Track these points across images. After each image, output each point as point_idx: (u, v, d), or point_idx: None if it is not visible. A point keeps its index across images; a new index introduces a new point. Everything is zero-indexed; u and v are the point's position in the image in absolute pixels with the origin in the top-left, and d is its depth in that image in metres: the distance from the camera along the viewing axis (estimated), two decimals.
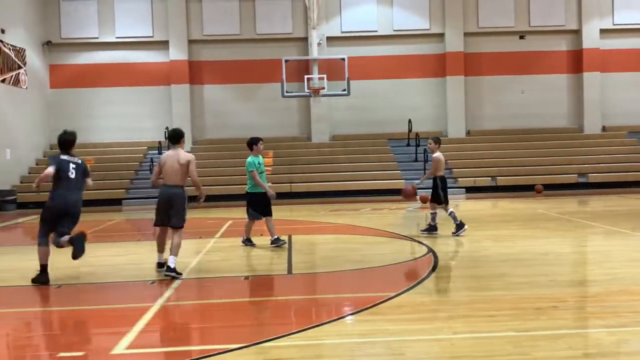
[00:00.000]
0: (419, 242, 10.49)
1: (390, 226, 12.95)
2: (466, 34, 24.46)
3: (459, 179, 21.70)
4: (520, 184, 21.35)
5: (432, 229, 11.29)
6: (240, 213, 13.20)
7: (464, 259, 9.34)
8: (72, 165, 8.12)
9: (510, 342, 5.03)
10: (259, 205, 10.30)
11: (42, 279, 7.90)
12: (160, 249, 8.37)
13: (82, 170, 8.19)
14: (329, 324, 5.72)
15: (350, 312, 6.18)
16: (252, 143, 10.36)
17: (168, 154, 8.27)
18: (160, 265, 8.32)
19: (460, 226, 11.21)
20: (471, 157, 22.99)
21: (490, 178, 21.65)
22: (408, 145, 23.68)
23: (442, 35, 24.50)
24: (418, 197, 11.26)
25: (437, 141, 11.54)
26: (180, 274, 7.99)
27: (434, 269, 8.13)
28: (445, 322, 5.73)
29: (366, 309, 6.13)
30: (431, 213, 11.41)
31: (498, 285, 7.13)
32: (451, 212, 11.21)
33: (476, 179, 21.57)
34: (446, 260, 8.78)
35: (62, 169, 8.02)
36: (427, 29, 24.48)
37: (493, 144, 23.90)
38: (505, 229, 12.22)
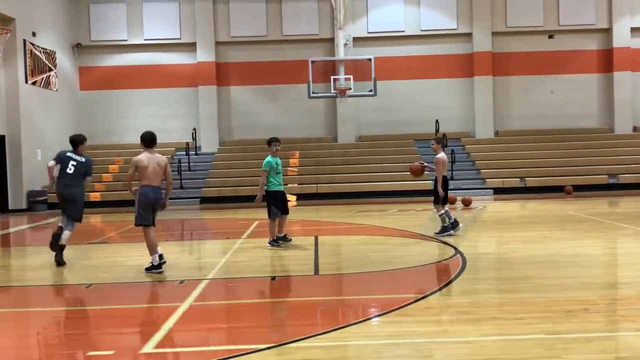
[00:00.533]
0: (446, 243, 10.42)
1: (417, 227, 12.89)
2: (494, 34, 24.24)
3: (487, 180, 21.50)
4: (549, 185, 21.10)
5: (447, 229, 11.20)
6: (266, 213, 13.22)
7: (493, 260, 9.25)
8: (72, 162, 9.31)
9: (541, 345, 4.97)
10: (278, 202, 10.41)
11: (53, 246, 9.30)
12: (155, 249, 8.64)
13: (83, 168, 9.32)
14: (356, 325, 5.71)
15: (377, 314, 6.15)
16: (268, 143, 10.77)
17: (146, 156, 8.63)
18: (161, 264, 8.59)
19: (444, 229, 11.23)
20: (500, 157, 22.77)
21: (519, 179, 21.42)
22: None
23: (469, 35, 24.32)
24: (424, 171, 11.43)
25: (440, 142, 11.60)
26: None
27: (462, 270, 8.06)
28: (473, 324, 5.68)
29: (393, 310, 6.11)
30: (439, 215, 11.39)
31: (527, 288, 7.05)
32: (442, 214, 11.26)
33: (505, 180, 21.36)
34: (474, 262, 8.70)
35: (62, 163, 9.33)
36: (455, 29, 24.32)
37: (522, 144, 23.64)
38: (535, 230, 12.07)
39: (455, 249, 9.68)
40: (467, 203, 16.92)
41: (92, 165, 9.62)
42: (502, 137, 24.28)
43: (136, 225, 8.67)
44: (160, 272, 8.41)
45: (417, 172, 11.82)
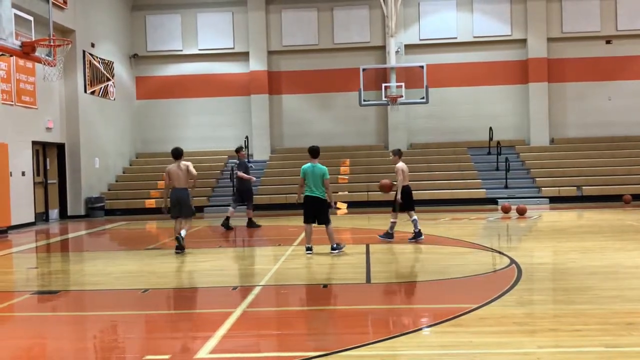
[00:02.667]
0: (501, 253, 10.24)
1: (470, 236, 12.71)
2: (550, 40, 23.78)
3: (543, 188, 21.06)
4: (607, 193, 20.53)
5: (418, 235, 11.58)
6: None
7: (549, 271, 9.05)
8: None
9: (601, 358, 4.84)
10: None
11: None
12: (177, 232, 11.30)
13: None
14: (409, 335, 5.66)
15: (430, 323, 6.09)
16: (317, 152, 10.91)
17: (172, 166, 11.33)
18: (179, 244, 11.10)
19: (388, 235, 11.59)
20: (555, 166, 22.28)
21: (575, 188, 20.92)
22: (489, 153, 23.21)
23: (524, 41, 23.93)
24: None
25: (397, 153, 12.07)
26: (183, 247, 11.10)
27: (517, 280, 7.91)
28: (529, 335, 5.56)
29: (447, 320, 6.03)
30: (412, 221, 11.74)
31: (585, 299, 6.87)
32: (394, 223, 11.69)
33: (560, 189, 20.89)
34: (530, 272, 8.52)
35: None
36: (509, 35, 23.96)
37: (578, 152, 23.09)
38: (593, 240, 11.76)
39: (511, 259, 9.50)
40: (521, 212, 16.60)
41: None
42: (557, 145, 23.76)
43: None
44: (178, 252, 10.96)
45: (386, 189, 12.20)
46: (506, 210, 17.28)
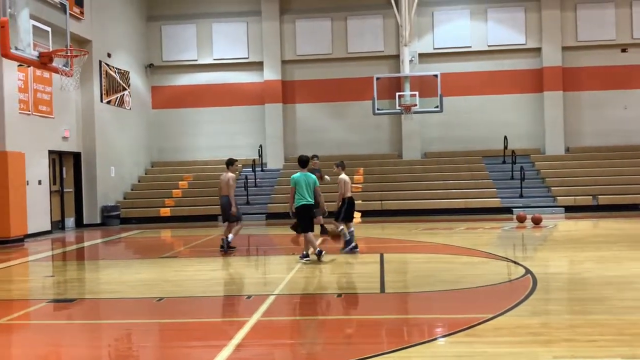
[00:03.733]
0: (516, 262, 10.19)
1: (485, 246, 12.65)
2: (564, 48, 23.69)
3: (558, 197, 20.93)
4: (623, 203, 20.37)
5: (349, 243, 11.74)
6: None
7: (565, 281, 8.99)
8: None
9: None
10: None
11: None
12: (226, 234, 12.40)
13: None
14: (423, 345, 5.65)
15: (445, 333, 6.07)
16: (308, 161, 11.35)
17: (222, 174, 12.56)
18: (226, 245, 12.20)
19: (348, 243, 11.72)
20: (571, 174, 22.14)
21: (591, 197, 20.77)
22: (504, 162, 23.12)
23: (538, 49, 23.86)
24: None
25: (339, 165, 12.59)
26: (225, 248, 12.08)
27: (532, 290, 7.87)
28: (545, 345, 5.53)
29: (462, 330, 6.01)
30: (339, 230, 11.93)
31: (602, 309, 6.82)
32: (342, 230, 11.81)
33: (576, 198, 20.75)
34: (545, 282, 8.47)
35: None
36: (523, 44, 23.90)
37: (594, 161, 22.93)
38: (608, 250, 11.66)
39: (526, 268, 9.45)
40: (537, 221, 16.50)
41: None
42: (573, 154, 23.62)
43: None
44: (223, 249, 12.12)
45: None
46: (521, 219, 17.19)
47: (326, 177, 15.06)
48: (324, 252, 10.81)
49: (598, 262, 10.13)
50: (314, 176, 10.97)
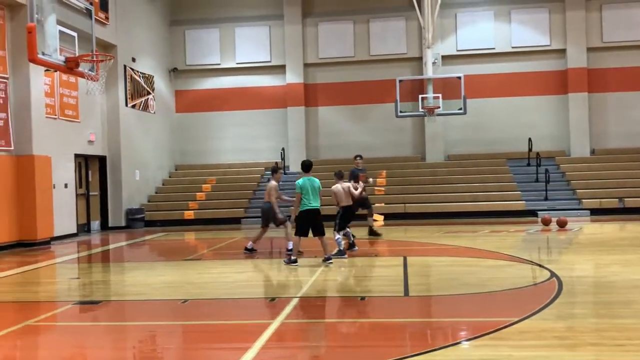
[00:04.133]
0: (541, 266, 10.09)
1: (510, 249, 12.55)
2: (589, 49, 23.43)
3: (583, 200, 20.68)
4: None
5: (341, 253, 11.53)
6: (354, 233, 13.26)
7: (591, 284, 8.89)
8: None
9: None
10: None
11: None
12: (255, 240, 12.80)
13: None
14: (448, 348, 5.62)
15: (470, 337, 6.03)
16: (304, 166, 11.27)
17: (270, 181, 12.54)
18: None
19: (340, 253, 11.51)
20: (596, 177, 21.87)
21: (617, 199, 20.50)
22: (528, 165, 22.92)
23: (563, 51, 23.63)
24: None
25: (337, 175, 12.59)
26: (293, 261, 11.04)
27: (558, 294, 7.79)
28: (571, 349, 5.47)
29: (487, 333, 5.97)
30: (337, 240, 11.87)
31: (629, 313, 6.73)
32: (338, 239, 11.77)
33: (602, 201, 20.49)
34: (571, 286, 8.38)
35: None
36: (548, 45, 23.69)
37: (620, 163, 22.62)
38: (635, 253, 11.50)
39: (551, 271, 9.36)
40: (562, 224, 16.33)
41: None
42: (598, 156, 23.34)
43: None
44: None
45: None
46: (546, 222, 17.02)
47: (370, 179, 14.85)
48: (332, 260, 10.84)
49: (624, 266, 10.00)
50: (318, 180, 10.95)
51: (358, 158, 14.82)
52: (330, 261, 10.74)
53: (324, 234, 10.87)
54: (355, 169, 14.51)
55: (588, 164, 22.87)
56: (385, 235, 15.44)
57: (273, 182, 12.37)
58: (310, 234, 10.96)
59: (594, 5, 23.42)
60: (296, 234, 11.02)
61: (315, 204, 10.78)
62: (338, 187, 12.32)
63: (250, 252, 12.60)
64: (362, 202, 14.31)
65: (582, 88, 23.36)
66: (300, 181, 10.90)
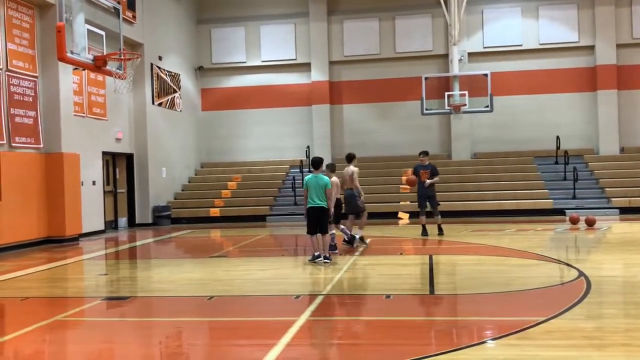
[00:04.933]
0: (569, 265, 9.97)
1: (537, 248, 12.41)
2: (619, 46, 23.06)
3: (612, 198, 20.38)
4: None
5: (332, 248, 11.67)
6: (379, 231, 13.25)
7: (620, 284, 8.76)
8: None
9: None
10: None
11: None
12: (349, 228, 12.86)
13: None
14: (473, 347, 5.58)
15: (496, 336, 5.98)
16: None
17: (345, 169, 12.84)
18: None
19: (332, 248, 11.59)
20: (626, 175, 21.53)
21: None
22: (556, 163, 22.65)
23: (592, 47, 23.29)
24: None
25: (329, 167, 12.50)
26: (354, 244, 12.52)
27: (586, 293, 7.68)
28: (600, 350, 5.39)
29: (513, 333, 5.91)
30: (341, 229, 12.56)
31: None
32: (343, 229, 12.57)
33: (631, 199, 20.17)
34: (599, 285, 8.26)
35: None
36: (576, 42, 23.38)
37: None
38: None
39: (579, 271, 9.24)
40: (590, 223, 16.11)
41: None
42: (628, 154, 22.97)
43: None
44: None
45: (412, 184, 14.49)
46: (574, 221, 16.81)
47: (436, 178, 14.94)
48: (323, 258, 10.78)
49: None
50: (326, 178, 10.87)
51: (421, 155, 14.96)
52: (328, 261, 10.67)
53: (325, 232, 10.82)
54: (419, 165, 14.82)
55: (617, 162, 22.53)
56: (410, 233, 15.37)
57: (353, 167, 12.75)
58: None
59: (623, 0, 23.05)
60: (307, 232, 11.00)
61: (318, 201, 10.74)
62: (335, 179, 12.07)
63: (362, 242, 13.02)
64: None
65: (611, 85, 23.01)
66: (307, 178, 10.95)
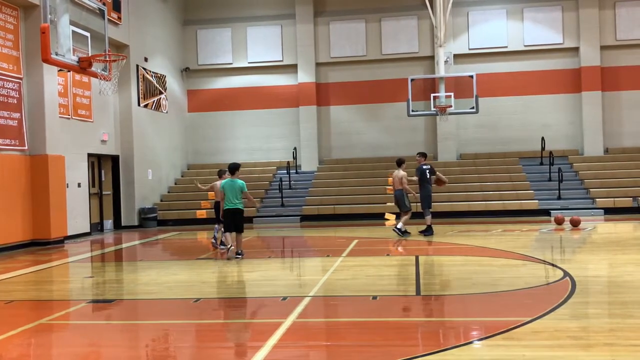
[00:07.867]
0: (555, 265, 10.04)
1: (523, 248, 12.49)
2: (603, 47, 23.27)
3: (597, 199, 20.55)
4: None
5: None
6: (365, 232, 13.27)
7: (604, 284, 8.83)
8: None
9: None
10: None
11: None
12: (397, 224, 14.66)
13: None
14: (459, 348, 5.60)
15: (482, 336, 6.01)
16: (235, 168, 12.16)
17: (395, 171, 14.76)
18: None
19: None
20: (610, 176, 21.73)
21: (631, 198, 20.35)
22: (541, 164, 22.81)
23: (576, 49, 23.49)
24: None
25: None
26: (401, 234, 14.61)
27: (571, 293, 7.74)
28: (585, 349, 5.43)
29: (499, 333, 5.94)
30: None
31: None
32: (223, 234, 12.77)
33: (616, 200, 20.35)
34: (584, 285, 8.32)
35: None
36: (561, 44, 23.56)
37: (634, 162, 22.46)
38: None
39: (564, 271, 9.30)
40: (575, 223, 16.24)
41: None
42: (612, 155, 23.18)
43: None
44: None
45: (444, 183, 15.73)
46: (559, 221, 16.93)
47: (444, 177, 15.79)
48: (235, 254, 11.83)
49: (639, 265, 9.92)
50: (241, 182, 11.84)
51: (418, 155, 15.59)
52: (239, 256, 11.72)
53: (241, 231, 12.00)
54: (422, 166, 15.36)
55: (602, 162, 22.73)
56: (395, 234, 15.40)
57: (403, 172, 14.65)
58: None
59: (607, 3, 23.27)
60: (224, 229, 12.19)
61: (235, 202, 11.78)
62: (217, 184, 13.24)
63: (402, 235, 14.67)
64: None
65: (595, 86, 23.21)
66: (223, 182, 12.11)
